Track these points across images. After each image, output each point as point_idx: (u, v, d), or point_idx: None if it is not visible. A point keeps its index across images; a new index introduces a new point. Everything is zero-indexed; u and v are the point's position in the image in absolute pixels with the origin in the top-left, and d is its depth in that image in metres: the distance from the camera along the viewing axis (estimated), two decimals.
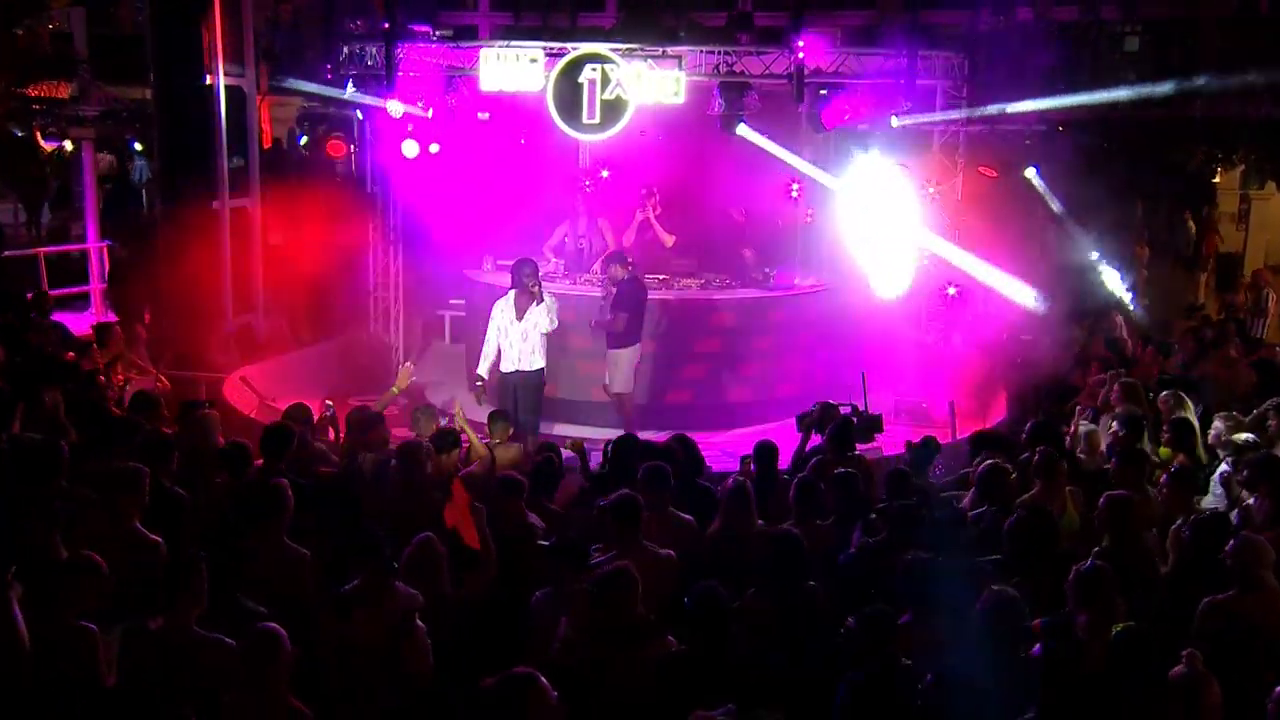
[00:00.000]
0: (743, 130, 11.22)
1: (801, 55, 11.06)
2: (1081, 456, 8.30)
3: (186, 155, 13.16)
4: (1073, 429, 8.83)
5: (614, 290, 10.96)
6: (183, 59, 13.11)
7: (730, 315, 12.29)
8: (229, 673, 4.50)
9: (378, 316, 14.26)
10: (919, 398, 12.32)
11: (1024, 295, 11.87)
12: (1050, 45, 17.89)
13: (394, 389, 8.94)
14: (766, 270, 12.84)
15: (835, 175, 12.29)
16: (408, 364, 9.75)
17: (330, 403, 8.98)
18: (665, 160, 13.30)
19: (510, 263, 10.59)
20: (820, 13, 11.49)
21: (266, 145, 19.16)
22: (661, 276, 12.77)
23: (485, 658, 4.80)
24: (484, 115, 18.28)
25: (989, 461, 7.12)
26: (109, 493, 5.85)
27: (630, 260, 11.06)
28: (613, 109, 11.17)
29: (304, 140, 18.98)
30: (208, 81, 13.12)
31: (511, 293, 10.50)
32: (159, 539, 5.68)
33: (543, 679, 3.93)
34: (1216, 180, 20.45)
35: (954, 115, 12.88)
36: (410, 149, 11.41)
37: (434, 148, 12.02)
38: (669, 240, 13.11)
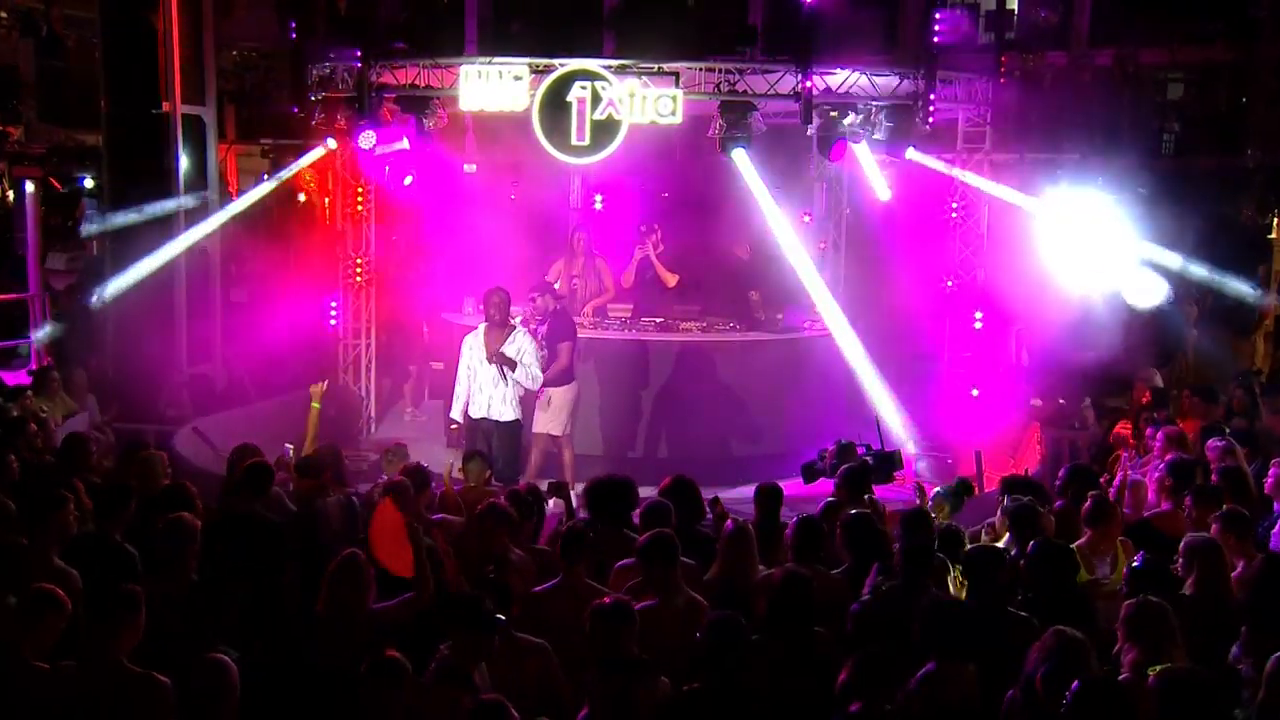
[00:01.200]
0: (738, 157, 11.05)
1: (810, 86, 10.92)
2: (1126, 511, 8.08)
3: (138, 189, 13.04)
4: (1117, 478, 8.62)
5: (543, 324, 10.87)
6: (136, 85, 13.06)
7: (735, 361, 12.24)
8: (163, 711, 4.57)
9: (348, 366, 14.00)
10: (941, 451, 12.02)
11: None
12: (1087, 90, 17.91)
13: (314, 404, 9.05)
14: (776, 314, 12.66)
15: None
16: (324, 383, 9.64)
17: (290, 446, 8.87)
18: (664, 191, 13.18)
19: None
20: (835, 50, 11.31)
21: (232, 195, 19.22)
22: (660, 320, 12.57)
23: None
24: (470, 168, 18.43)
25: (1022, 499, 7.03)
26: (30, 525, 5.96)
27: (561, 293, 11.07)
28: (604, 130, 11.07)
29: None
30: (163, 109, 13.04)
31: (481, 327, 10.29)
32: (75, 571, 5.70)
33: None
34: (1273, 235, 20.24)
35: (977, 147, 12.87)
36: (366, 140, 11.28)
37: (408, 180, 11.86)
38: (671, 280, 13.03)
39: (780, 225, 11.66)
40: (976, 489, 10.16)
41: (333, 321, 13.81)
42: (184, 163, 13.57)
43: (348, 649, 5.23)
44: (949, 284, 13.09)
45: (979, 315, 13.07)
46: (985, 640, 5.18)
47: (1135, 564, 5.97)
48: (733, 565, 6.51)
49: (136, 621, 4.91)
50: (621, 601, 5.28)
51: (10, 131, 15.15)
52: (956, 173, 12.30)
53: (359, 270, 13.77)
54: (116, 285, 12.86)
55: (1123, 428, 11.11)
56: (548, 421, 10.94)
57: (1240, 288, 13.89)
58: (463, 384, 10.35)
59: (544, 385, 10.67)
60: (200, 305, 13.99)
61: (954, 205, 13.25)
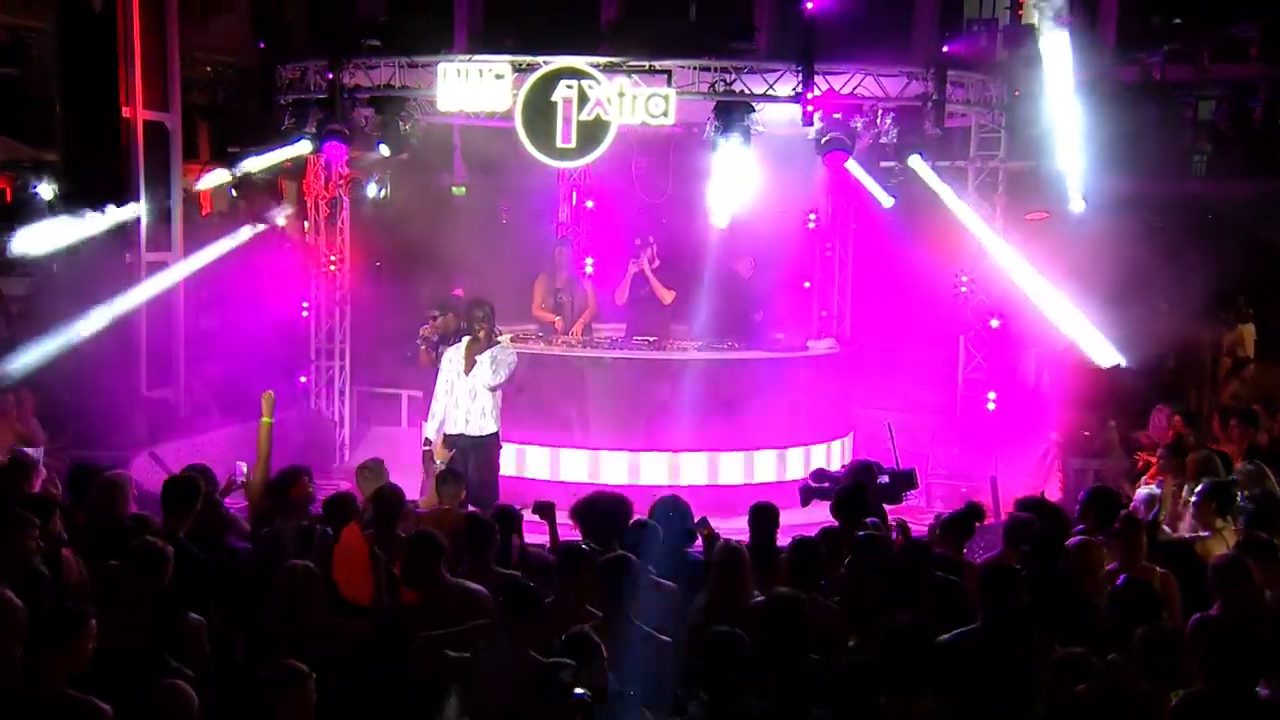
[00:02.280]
0: (732, 146, 10.99)
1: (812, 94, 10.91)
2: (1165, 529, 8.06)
3: (94, 197, 12.98)
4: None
5: (445, 345, 10.86)
6: (94, 89, 13.04)
7: (733, 381, 12.15)
8: None
9: (319, 389, 13.91)
10: (955, 478, 11.93)
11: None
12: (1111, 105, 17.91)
13: (264, 419, 8.96)
14: (778, 335, 12.63)
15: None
16: (270, 392, 9.48)
17: (243, 464, 8.78)
18: (657, 199, 13.17)
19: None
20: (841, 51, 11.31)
21: (205, 214, 19.22)
22: (652, 339, 12.51)
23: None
24: (460, 190, 18.49)
25: (1029, 519, 7.15)
26: None
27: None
28: (591, 132, 11.05)
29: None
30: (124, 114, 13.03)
31: (464, 340, 10.22)
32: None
33: None
34: None
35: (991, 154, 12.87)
36: (335, 150, 11.28)
37: (373, 190, 11.85)
38: (667, 297, 13.01)
39: None
40: (991, 517, 10.07)
41: (305, 313, 13.84)
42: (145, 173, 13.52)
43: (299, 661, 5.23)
44: (963, 285, 12.98)
45: (996, 322, 12.97)
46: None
47: (1117, 585, 5.93)
48: (725, 590, 6.43)
49: (82, 644, 4.93)
50: (582, 633, 5.22)
51: None
52: (946, 196, 12.11)
53: (331, 262, 13.75)
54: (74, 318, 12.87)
55: (1147, 456, 11.07)
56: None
57: None
58: (439, 401, 10.30)
59: None
60: (161, 326, 13.89)
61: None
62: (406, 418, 14.38)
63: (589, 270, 14.39)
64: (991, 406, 13.03)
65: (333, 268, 13.84)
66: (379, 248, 17.77)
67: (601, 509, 7.30)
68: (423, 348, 10.80)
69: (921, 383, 14.23)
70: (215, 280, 15.52)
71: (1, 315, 15.89)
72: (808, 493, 9.10)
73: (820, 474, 9.39)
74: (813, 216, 13.50)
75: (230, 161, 13.73)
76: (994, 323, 12.93)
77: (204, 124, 19.89)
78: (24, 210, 15.46)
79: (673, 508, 7.49)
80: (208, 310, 16.23)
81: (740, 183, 11.28)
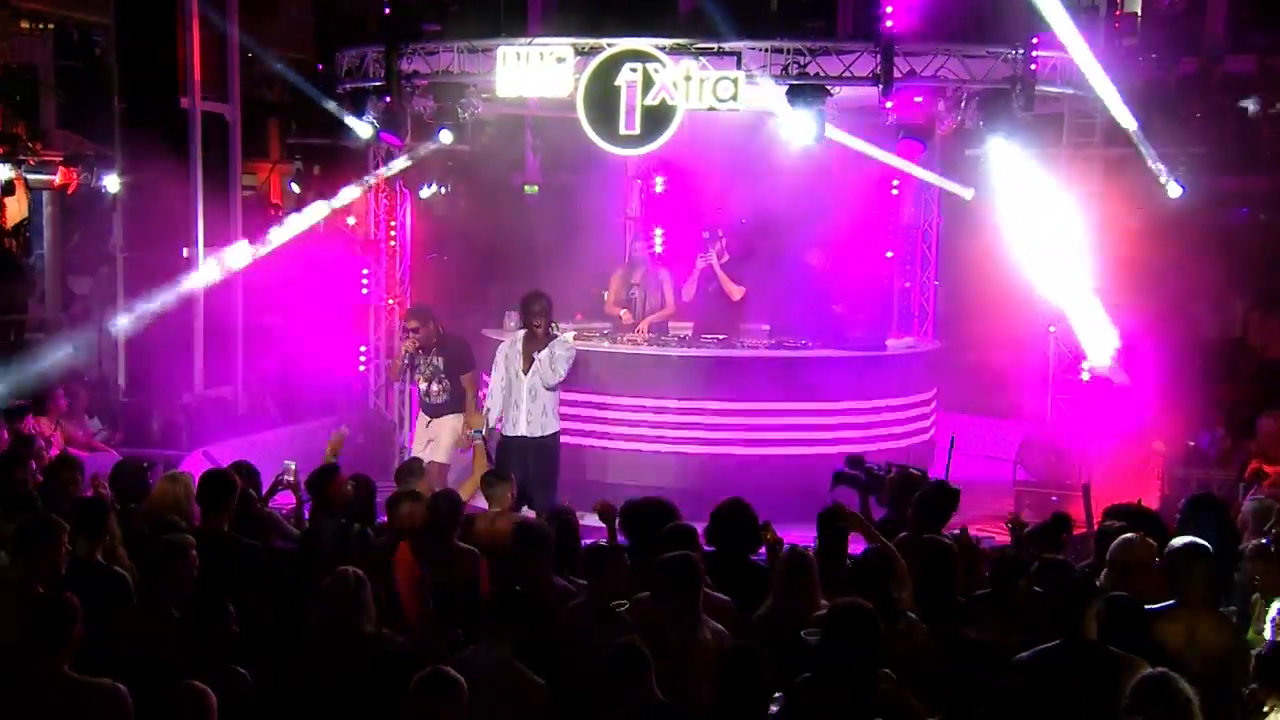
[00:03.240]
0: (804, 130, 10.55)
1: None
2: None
3: (154, 190, 12.89)
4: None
5: (430, 355, 10.62)
6: (153, 79, 12.96)
7: (806, 379, 11.63)
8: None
9: (378, 389, 13.66)
10: (1046, 486, 11.35)
11: None
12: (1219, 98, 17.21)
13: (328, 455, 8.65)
14: (853, 329, 12.21)
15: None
16: (343, 429, 9.48)
17: (291, 463, 8.51)
18: (729, 188, 12.75)
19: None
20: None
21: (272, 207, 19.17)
22: (721, 337, 12.06)
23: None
24: (532, 189, 18.27)
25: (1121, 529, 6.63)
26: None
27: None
28: (656, 118, 10.63)
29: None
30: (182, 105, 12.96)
31: (520, 335, 9.85)
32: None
33: None
34: None
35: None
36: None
37: (428, 191, 11.57)
38: (737, 293, 12.59)
39: None
40: (1082, 528, 9.51)
41: (365, 290, 13.68)
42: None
43: (338, 671, 5.29)
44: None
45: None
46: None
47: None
48: (790, 598, 6.10)
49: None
50: (631, 645, 4.99)
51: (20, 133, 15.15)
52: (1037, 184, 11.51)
53: (392, 237, 13.57)
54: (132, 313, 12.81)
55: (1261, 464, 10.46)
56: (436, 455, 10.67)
57: None
58: (495, 398, 9.94)
59: (447, 414, 10.60)
60: (219, 323, 13.78)
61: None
62: None
63: (658, 247, 13.99)
64: (1086, 375, 12.47)
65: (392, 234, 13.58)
66: (446, 246, 17.65)
67: (647, 513, 7.02)
68: (398, 363, 10.49)
69: (1011, 384, 13.68)
70: (277, 277, 15.49)
71: (64, 312, 15.95)
72: (839, 478, 8.61)
73: (855, 460, 8.83)
74: (896, 183, 13.03)
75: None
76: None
77: (274, 123, 19.88)
78: (90, 204, 15.43)
79: (734, 513, 7.09)
80: (269, 308, 16.22)
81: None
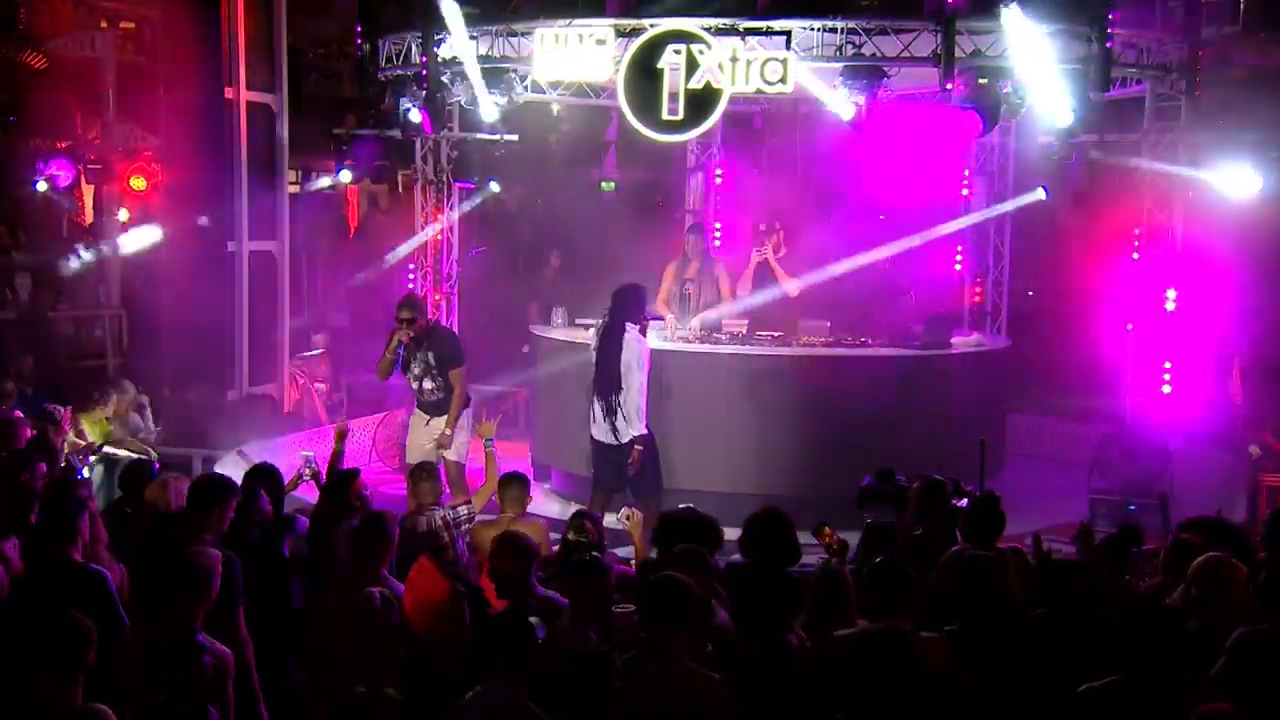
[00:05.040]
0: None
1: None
2: None
3: (197, 181, 12.74)
4: None
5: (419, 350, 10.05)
6: (198, 69, 12.82)
7: (865, 379, 11.20)
8: None
9: None
10: (1124, 494, 10.79)
11: None
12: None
13: (336, 447, 8.48)
14: (914, 326, 11.82)
15: None
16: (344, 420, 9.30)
17: (309, 455, 8.39)
18: (782, 178, 12.34)
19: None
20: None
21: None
22: (777, 334, 11.62)
23: None
24: (609, 185, 17.97)
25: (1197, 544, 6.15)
26: None
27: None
28: (700, 102, 10.19)
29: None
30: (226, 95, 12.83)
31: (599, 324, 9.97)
32: None
33: None
34: None
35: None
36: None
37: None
38: (794, 288, 12.12)
39: None
40: (1154, 541, 8.90)
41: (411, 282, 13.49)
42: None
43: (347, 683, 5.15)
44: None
45: (1172, 294, 11.65)
46: None
47: None
48: (823, 617, 5.77)
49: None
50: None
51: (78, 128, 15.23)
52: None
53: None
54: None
55: None
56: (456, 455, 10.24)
57: None
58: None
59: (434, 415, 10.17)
60: (264, 318, 13.60)
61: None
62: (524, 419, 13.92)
63: (716, 242, 13.60)
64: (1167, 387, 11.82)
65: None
66: (514, 244, 17.38)
67: (683, 526, 6.62)
68: (388, 356, 9.98)
69: (1086, 385, 13.07)
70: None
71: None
72: (865, 494, 8.08)
73: (884, 474, 8.29)
74: (966, 174, 12.60)
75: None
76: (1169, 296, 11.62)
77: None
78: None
79: (768, 519, 6.65)
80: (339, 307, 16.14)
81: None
